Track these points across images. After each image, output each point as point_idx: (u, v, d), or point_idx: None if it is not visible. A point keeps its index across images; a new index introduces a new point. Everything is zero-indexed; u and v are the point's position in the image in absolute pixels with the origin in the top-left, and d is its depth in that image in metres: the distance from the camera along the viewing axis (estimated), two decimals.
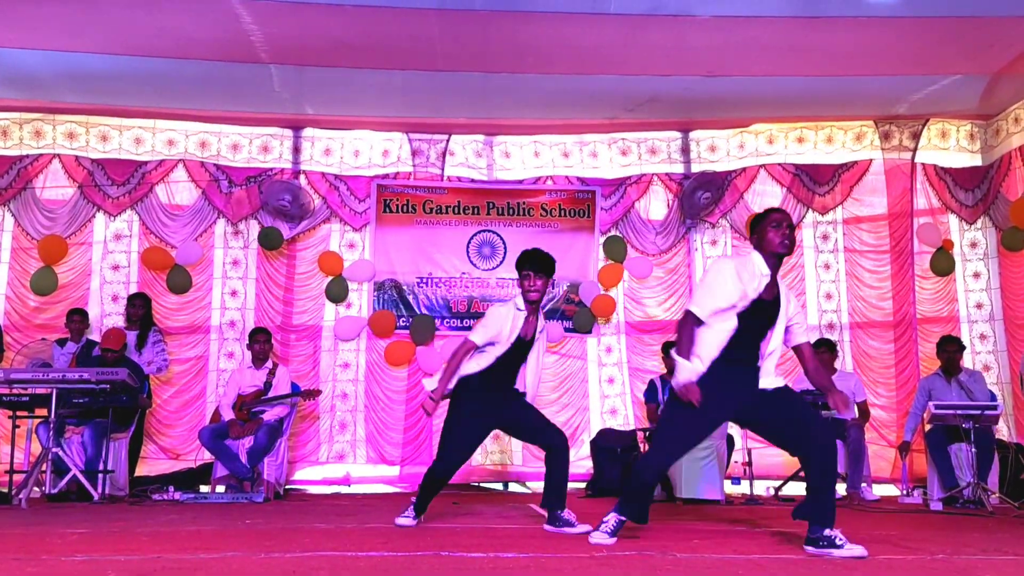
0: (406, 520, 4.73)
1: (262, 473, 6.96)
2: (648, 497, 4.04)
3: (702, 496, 6.50)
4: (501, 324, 4.67)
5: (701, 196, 8.67)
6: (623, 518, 3.93)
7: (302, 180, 8.73)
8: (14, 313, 8.20)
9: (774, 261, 3.91)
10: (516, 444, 8.58)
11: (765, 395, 3.93)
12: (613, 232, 8.87)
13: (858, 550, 3.45)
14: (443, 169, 8.92)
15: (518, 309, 4.69)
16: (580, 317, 8.72)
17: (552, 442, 4.75)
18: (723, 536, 4.25)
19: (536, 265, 4.59)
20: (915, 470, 7.54)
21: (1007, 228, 8.22)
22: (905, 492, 7.25)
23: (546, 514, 4.67)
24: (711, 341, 3.85)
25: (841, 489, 7.03)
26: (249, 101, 8.20)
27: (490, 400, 4.76)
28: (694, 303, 3.92)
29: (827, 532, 3.56)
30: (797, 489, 7.37)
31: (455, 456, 4.86)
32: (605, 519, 3.94)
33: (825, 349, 7.65)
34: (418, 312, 8.68)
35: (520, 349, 4.73)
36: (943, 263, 8.50)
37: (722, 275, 3.88)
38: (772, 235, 3.86)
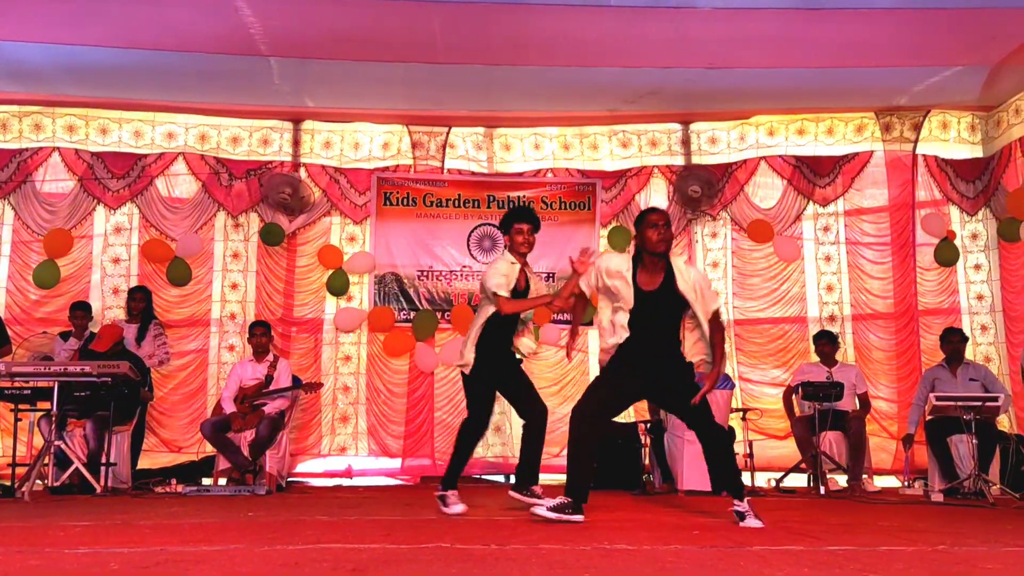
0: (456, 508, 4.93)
1: (264, 466, 6.97)
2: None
3: (703, 488, 6.50)
4: (509, 273, 5.01)
5: (690, 190, 8.65)
6: None
7: (302, 173, 8.72)
8: (15, 307, 8.20)
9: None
10: (518, 436, 8.57)
11: None
12: (617, 223, 8.87)
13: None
14: (443, 162, 8.91)
15: (512, 263, 5.05)
16: None
17: (532, 410, 5.07)
18: (724, 528, 4.26)
19: (531, 218, 5.09)
20: (916, 461, 7.56)
21: (1004, 218, 8.22)
22: (906, 483, 7.27)
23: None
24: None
25: (842, 480, 7.06)
26: (249, 94, 8.19)
27: (497, 365, 5.06)
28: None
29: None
30: (799, 480, 7.40)
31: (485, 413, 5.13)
32: None
33: (826, 341, 7.67)
34: (419, 305, 8.68)
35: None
36: (947, 254, 8.50)
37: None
38: (650, 234, 4.47)
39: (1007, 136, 8.34)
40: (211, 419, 7.18)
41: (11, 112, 8.45)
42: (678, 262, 4.61)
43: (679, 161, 8.99)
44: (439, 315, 8.67)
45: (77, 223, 8.39)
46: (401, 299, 8.70)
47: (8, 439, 6.66)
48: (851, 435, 7.09)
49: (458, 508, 4.92)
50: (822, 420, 6.87)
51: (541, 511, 4.33)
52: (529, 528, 4.15)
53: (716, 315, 4.57)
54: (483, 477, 8.57)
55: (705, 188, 8.66)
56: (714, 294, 4.65)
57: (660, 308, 4.49)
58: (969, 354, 7.61)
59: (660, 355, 4.53)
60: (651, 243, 4.46)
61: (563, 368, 8.71)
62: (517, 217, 5.10)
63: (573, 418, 4.55)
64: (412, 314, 8.66)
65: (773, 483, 7.33)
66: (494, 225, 8.82)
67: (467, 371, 5.02)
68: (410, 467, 8.45)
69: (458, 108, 8.56)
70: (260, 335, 7.40)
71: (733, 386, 7.03)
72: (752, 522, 4.31)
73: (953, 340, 7.26)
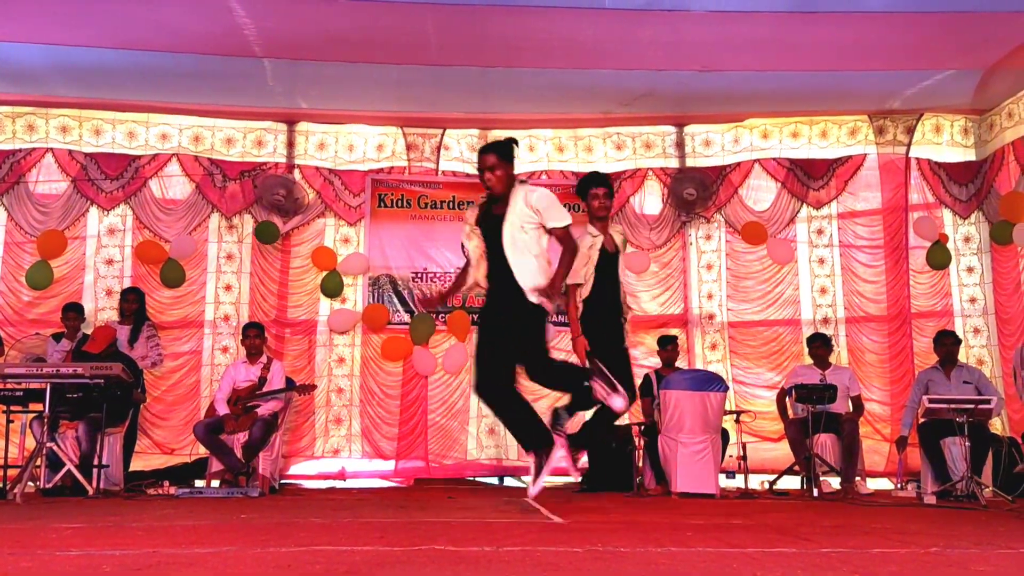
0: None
1: (257, 468, 6.95)
2: None
3: (696, 490, 6.50)
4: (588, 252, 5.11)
5: (685, 192, 8.67)
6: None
7: (296, 174, 8.71)
8: (7, 308, 8.17)
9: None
10: (511, 438, 8.57)
11: None
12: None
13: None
14: (438, 163, 8.91)
15: (593, 234, 5.18)
16: None
17: None
18: (717, 530, 4.26)
19: (603, 183, 5.23)
20: (909, 464, 7.58)
21: (996, 221, 8.25)
22: (899, 486, 7.28)
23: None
24: None
25: (835, 483, 7.07)
26: (243, 95, 8.18)
27: None
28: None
29: None
30: (792, 483, 7.41)
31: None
32: None
33: (820, 344, 7.68)
34: (413, 307, 8.68)
35: (611, 265, 5.19)
36: (940, 257, 8.52)
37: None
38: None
39: (1000, 139, 8.38)
40: (204, 421, 7.16)
41: (4, 113, 8.43)
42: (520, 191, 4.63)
43: (673, 163, 9.01)
44: (435, 317, 8.65)
45: (70, 224, 8.37)
46: (395, 301, 8.69)
47: (0, 440, 6.64)
48: (844, 437, 7.10)
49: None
50: (815, 422, 6.87)
51: (533, 491, 4.37)
52: (523, 530, 4.15)
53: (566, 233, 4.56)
54: (476, 479, 8.57)
55: (700, 190, 8.68)
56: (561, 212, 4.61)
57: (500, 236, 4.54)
58: (962, 357, 7.63)
59: (503, 295, 4.53)
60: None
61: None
62: (588, 183, 5.22)
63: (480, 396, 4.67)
64: (407, 316, 8.65)
65: (766, 485, 7.34)
66: None
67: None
68: (403, 469, 8.44)
69: (453, 110, 8.56)
70: (254, 337, 7.39)
71: (727, 388, 7.03)
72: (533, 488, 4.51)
73: (946, 343, 7.28)
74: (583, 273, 5.11)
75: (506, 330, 4.53)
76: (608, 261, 5.05)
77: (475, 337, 4.84)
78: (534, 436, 4.48)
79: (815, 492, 6.68)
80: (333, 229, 8.80)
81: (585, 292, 5.13)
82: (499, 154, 4.60)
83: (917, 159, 8.74)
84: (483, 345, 4.65)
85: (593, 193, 5.09)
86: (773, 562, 3.11)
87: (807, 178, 8.85)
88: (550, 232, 4.61)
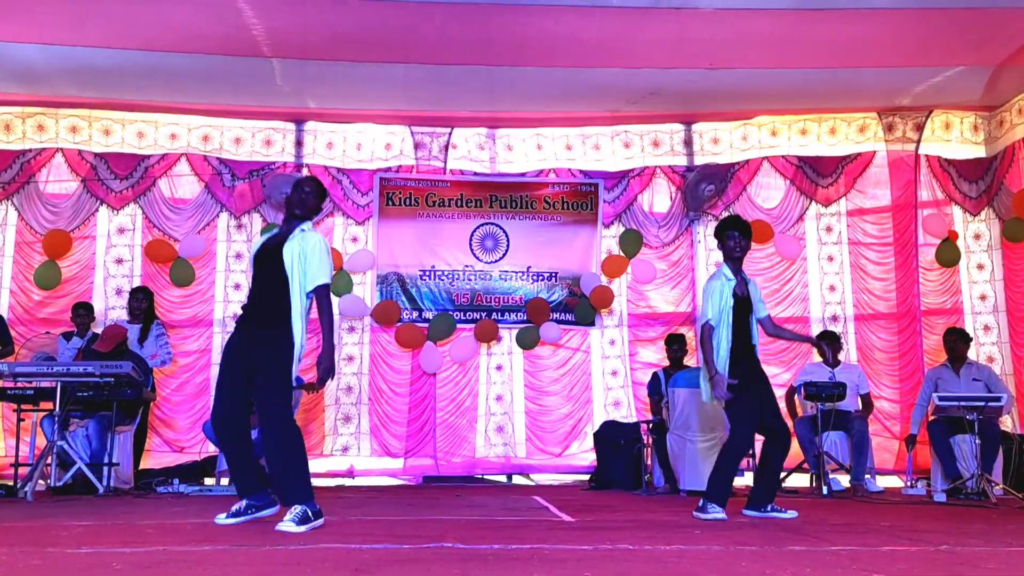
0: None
1: (266, 466, 6.96)
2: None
3: (705, 488, 6.49)
4: (721, 292, 4.96)
5: (704, 188, 8.66)
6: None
7: (304, 174, 8.72)
8: (18, 307, 8.20)
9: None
10: (520, 436, 8.61)
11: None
12: (621, 225, 8.87)
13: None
14: (446, 162, 8.91)
15: (727, 278, 5.00)
16: (582, 309, 8.72)
17: (775, 427, 4.98)
18: (727, 527, 4.26)
19: (740, 227, 5.09)
20: (919, 462, 7.55)
21: (1008, 219, 8.21)
22: (909, 484, 7.26)
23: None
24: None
25: (845, 480, 7.06)
26: (251, 95, 8.20)
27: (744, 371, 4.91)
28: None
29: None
30: (801, 480, 7.39)
31: (748, 428, 5.00)
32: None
33: (829, 341, 7.66)
34: (421, 304, 8.69)
35: (743, 307, 5.00)
36: (949, 254, 8.49)
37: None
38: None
39: (1010, 136, 8.33)
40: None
41: (14, 113, 8.46)
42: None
43: (682, 161, 8.99)
44: (455, 316, 8.65)
45: (80, 224, 8.40)
46: (403, 299, 8.70)
47: (11, 439, 6.67)
48: (853, 435, 7.08)
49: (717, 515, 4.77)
50: (824, 420, 6.86)
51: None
52: (531, 528, 4.16)
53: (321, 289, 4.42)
54: (485, 476, 8.57)
55: (718, 186, 8.68)
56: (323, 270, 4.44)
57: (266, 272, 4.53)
58: (972, 354, 7.60)
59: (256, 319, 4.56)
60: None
61: (564, 367, 8.72)
62: (725, 225, 5.12)
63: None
64: (415, 314, 8.66)
65: None
66: (497, 225, 8.83)
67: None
68: (412, 467, 8.46)
69: (460, 109, 8.56)
70: None
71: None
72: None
73: (950, 339, 7.27)
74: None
75: None
76: (740, 305, 4.97)
77: None
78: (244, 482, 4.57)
79: (824, 490, 6.67)
80: (341, 228, 8.82)
81: (723, 333, 4.92)
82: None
83: (927, 156, 8.70)
84: None
85: (730, 234, 5.03)
86: (782, 560, 3.11)
87: (816, 175, 8.82)
88: None
